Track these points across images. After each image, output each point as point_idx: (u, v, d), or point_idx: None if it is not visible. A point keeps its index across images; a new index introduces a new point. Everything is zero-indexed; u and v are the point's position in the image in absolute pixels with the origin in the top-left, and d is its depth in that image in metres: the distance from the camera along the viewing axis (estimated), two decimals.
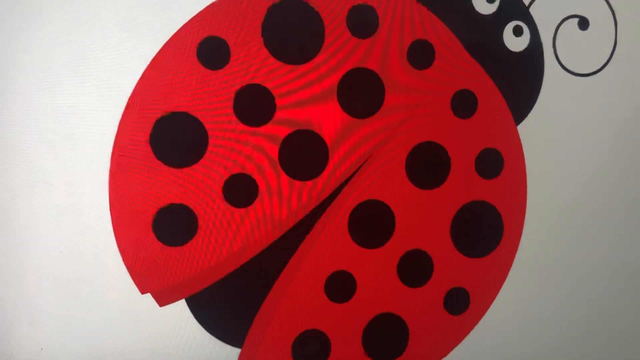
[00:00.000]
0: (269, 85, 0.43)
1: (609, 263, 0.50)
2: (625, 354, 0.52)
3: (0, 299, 0.44)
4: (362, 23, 0.44)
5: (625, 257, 0.50)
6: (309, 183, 0.45)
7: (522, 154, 0.48)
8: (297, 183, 0.44)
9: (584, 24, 0.48)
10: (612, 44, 0.49)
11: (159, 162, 0.43)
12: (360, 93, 0.45)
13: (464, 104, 0.46)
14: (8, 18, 0.42)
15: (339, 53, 0.44)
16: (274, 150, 0.44)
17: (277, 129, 0.44)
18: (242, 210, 0.44)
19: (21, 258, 0.43)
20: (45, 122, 0.43)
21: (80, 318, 0.44)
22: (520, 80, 0.48)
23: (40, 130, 0.43)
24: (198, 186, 0.43)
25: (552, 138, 0.49)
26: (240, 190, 0.44)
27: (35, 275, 0.43)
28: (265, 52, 0.43)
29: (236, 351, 0.46)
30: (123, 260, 0.43)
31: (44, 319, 0.44)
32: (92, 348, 0.44)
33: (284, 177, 0.44)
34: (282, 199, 0.44)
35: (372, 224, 0.46)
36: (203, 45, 0.42)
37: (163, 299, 0.44)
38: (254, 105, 0.43)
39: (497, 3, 0.47)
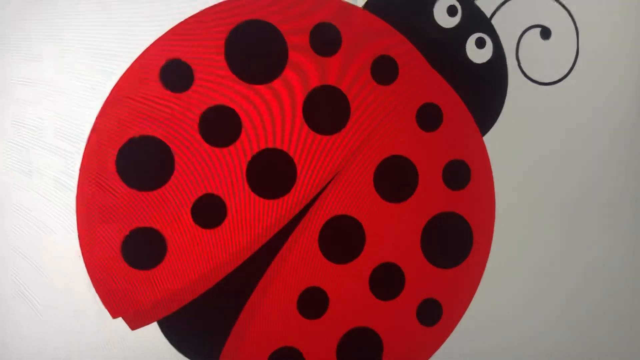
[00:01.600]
0: (234, 105, 0.43)
1: (578, 269, 0.51)
2: (602, 356, 0.52)
3: None
4: (325, 41, 0.45)
5: (593, 262, 0.51)
6: (278, 201, 0.45)
7: (489, 164, 0.49)
8: (266, 201, 0.45)
9: (546, 33, 0.49)
10: (575, 52, 0.49)
11: (125, 186, 0.43)
12: (326, 110, 0.45)
13: (429, 117, 0.47)
14: None
15: (304, 72, 0.44)
16: (241, 169, 0.44)
17: (244, 149, 0.44)
18: (211, 231, 0.44)
19: None
20: (10, 148, 0.43)
21: (51, 343, 0.44)
22: (485, 91, 0.48)
23: (4, 157, 0.43)
24: (166, 209, 0.43)
25: (518, 146, 0.49)
26: (208, 211, 0.44)
27: (6, 301, 0.43)
28: (229, 73, 0.43)
29: None
30: (93, 285, 0.43)
31: (15, 345, 0.44)
32: None
33: (253, 196, 0.44)
34: (251, 218, 0.45)
35: (342, 239, 0.47)
36: (166, 69, 0.43)
37: (135, 322, 0.44)
38: (219, 126, 0.44)
39: (458, 16, 0.47)
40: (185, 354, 0.45)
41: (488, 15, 0.48)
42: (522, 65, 0.49)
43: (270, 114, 0.44)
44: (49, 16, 0.42)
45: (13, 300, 0.44)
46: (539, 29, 0.49)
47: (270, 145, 0.44)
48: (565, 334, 0.51)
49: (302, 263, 0.46)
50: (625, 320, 0.52)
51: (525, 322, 0.51)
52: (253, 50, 0.44)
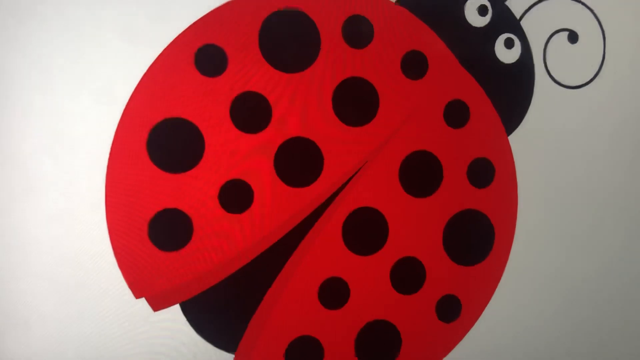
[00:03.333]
0: (265, 93, 0.44)
1: (600, 271, 0.51)
2: (618, 358, 0.52)
3: None
4: (358, 33, 0.45)
5: (616, 265, 0.51)
6: (304, 190, 0.45)
7: (513, 164, 0.49)
8: (292, 190, 0.45)
9: (573, 37, 0.49)
10: (601, 57, 0.50)
11: (155, 167, 0.43)
12: (355, 102, 0.46)
13: (456, 114, 0.47)
14: (7, 23, 0.42)
15: (335, 62, 0.45)
16: (269, 157, 0.44)
17: (273, 136, 0.44)
18: (237, 216, 0.44)
19: (17, 261, 0.43)
20: (43, 128, 0.43)
21: (74, 322, 0.44)
22: (512, 91, 0.49)
23: (37, 135, 0.43)
24: (194, 192, 0.44)
25: (542, 148, 0.50)
26: (235, 196, 0.44)
27: (30, 279, 0.43)
28: (262, 60, 0.44)
29: (230, 356, 0.46)
30: (118, 265, 0.43)
31: (38, 323, 0.44)
32: (86, 353, 0.44)
33: (280, 184, 0.45)
34: (277, 205, 0.45)
35: (365, 231, 0.47)
36: (201, 53, 0.43)
37: (157, 304, 0.44)
38: (250, 112, 0.44)
39: (489, 16, 0.48)
40: (205, 337, 0.45)
41: (518, 16, 0.48)
42: (549, 67, 0.49)
43: (300, 103, 0.45)
44: None
45: (37, 279, 0.44)
46: (566, 33, 0.49)
47: (298, 134, 0.45)
48: (585, 335, 0.51)
49: (325, 253, 0.46)
50: None
51: (543, 323, 0.51)
52: (286, 38, 0.44)
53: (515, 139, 0.49)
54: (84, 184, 0.43)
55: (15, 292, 0.43)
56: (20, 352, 0.44)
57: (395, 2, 0.46)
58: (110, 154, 0.43)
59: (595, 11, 0.49)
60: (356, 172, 0.46)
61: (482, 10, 0.48)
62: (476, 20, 0.48)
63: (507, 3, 0.48)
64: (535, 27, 0.49)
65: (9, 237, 0.43)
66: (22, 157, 0.43)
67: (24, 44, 0.42)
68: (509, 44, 0.48)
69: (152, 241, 0.43)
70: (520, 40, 0.48)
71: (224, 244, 0.44)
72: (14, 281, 0.43)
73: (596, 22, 0.50)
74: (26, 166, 0.43)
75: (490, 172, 0.48)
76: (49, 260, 0.44)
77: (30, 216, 0.43)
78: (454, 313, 0.49)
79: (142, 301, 0.44)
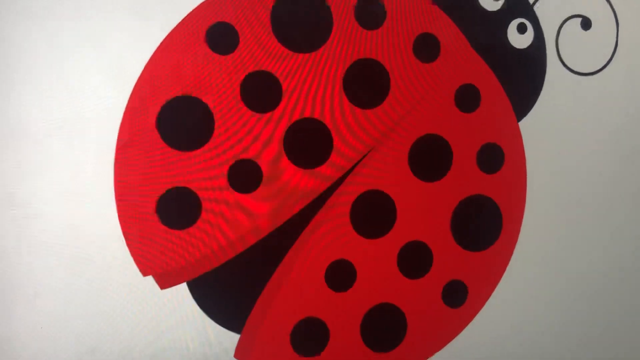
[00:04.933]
0: (276, 72, 0.44)
1: (607, 257, 0.51)
2: (623, 348, 0.52)
3: (3, 273, 0.43)
4: (370, 14, 0.45)
5: (623, 252, 0.51)
6: (313, 171, 0.45)
7: (523, 150, 0.49)
8: (301, 170, 0.45)
9: (586, 24, 0.49)
10: (614, 44, 0.49)
11: (164, 145, 0.43)
12: (366, 83, 0.46)
13: (467, 98, 0.47)
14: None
15: (346, 43, 0.45)
16: (279, 137, 0.44)
17: (282, 116, 0.44)
18: (246, 196, 0.44)
19: (26, 235, 0.43)
20: (52, 104, 0.43)
21: (82, 297, 0.44)
22: (523, 77, 0.48)
23: (47, 111, 0.43)
24: (203, 170, 0.43)
25: (552, 135, 0.49)
26: (244, 176, 0.44)
27: (39, 253, 0.43)
28: (273, 39, 0.44)
29: (236, 336, 0.46)
30: (126, 242, 0.43)
31: (46, 296, 0.44)
32: (92, 327, 0.44)
33: (288, 164, 0.45)
34: (285, 186, 0.45)
35: (373, 214, 0.47)
36: (212, 30, 0.43)
37: (164, 282, 0.44)
38: (260, 91, 0.44)
39: (502, 0, 0.47)
40: (212, 317, 0.45)
41: (531, 2, 0.48)
42: (561, 53, 0.49)
43: (311, 83, 0.44)
44: None
45: (46, 254, 0.44)
46: (579, 19, 0.49)
47: (308, 115, 0.45)
48: (592, 322, 0.51)
49: (332, 235, 0.46)
50: None
51: (549, 310, 0.51)
52: (299, 18, 0.44)
53: (526, 125, 0.48)
54: (94, 161, 0.43)
55: (25, 266, 0.43)
56: (28, 325, 0.44)
57: None
58: (120, 131, 0.43)
59: None
60: (365, 155, 0.46)
61: None
62: (489, 4, 0.47)
63: None
64: (548, 13, 0.48)
65: (19, 213, 0.43)
66: (33, 135, 0.43)
67: (34, 23, 0.42)
68: (521, 29, 0.48)
69: (160, 219, 0.43)
70: (533, 26, 0.48)
71: (231, 224, 0.44)
72: (24, 255, 0.43)
73: (610, 9, 0.49)
74: (36, 144, 0.43)
75: (499, 158, 0.48)
76: (58, 236, 0.43)
77: (41, 192, 0.43)
78: (460, 298, 0.49)
79: (150, 279, 0.44)
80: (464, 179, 0.48)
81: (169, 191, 0.43)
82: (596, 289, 0.51)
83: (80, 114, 0.43)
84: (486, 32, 0.48)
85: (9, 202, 0.43)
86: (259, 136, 0.44)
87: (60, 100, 0.43)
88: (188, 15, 0.43)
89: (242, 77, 0.43)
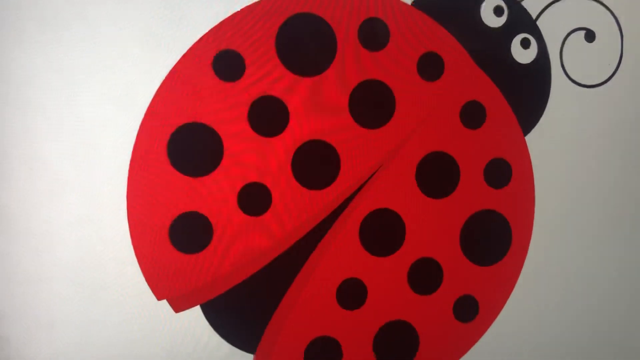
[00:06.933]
0: (282, 96, 0.44)
1: (617, 271, 0.51)
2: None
3: (20, 303, 0.45)
4: (373, 36, 0.45)
5: (633, 265, 0.51)
6: (321, 192, 0.46)
7: (530, 164, 0.49)
8: (310, 192, 0.45)
9: (590, 36, 0.49)
10: (618, 56, 0.50)
11: (175, 171, 0.44)
12: (372, 104, 0.46)
13: (473, 115, 0.47)
14: (29, 30, 0.43)
15: (351, 65, 0.45)
16: (287, 159, 0.45)
17: (290, 139, 0.45)
18: (255, 219, 0.45)
19: (41, 264, 0.44)
20: (65, 133, 0.44)
21: (98, 323, 0.45)
22: (528, 91, 0.49)
23: (60, 141, 0.44)
24: (213, 195, 0.44)
25: (559, 148, 0.49)
26: (254, 199, 0.45)
27: (54, 281, 0.44)
28: (279, 64, 0.44)
29: (249, 356, 0.46)
30: (140, 267, 0.44)
31: (62, 324, 0.45)
32: (109, 354, 0.45)
33: (297, 186, 0.45)
34: (294, 207, 0.45)
35: (382, 232, 0.47)
36: (219, 58, 0.44)
37: (179, 305, 0.45)
38: (268, 116, 0.44)
39: (505, 16, 0.48)
40: (225, 338, 0.46)
41: (534, 16, 0.48)
42: (566, 67, 0.49)
43: (317, 106, 0.45)
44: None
45: (61, 282, 0.45)
46: (583, 32, 0.49)
47: (315, 137, 0.45)
48: (600, 337, 0.51)
49: (343, 254, 0.47)
50: None
51: (561, 324, 0.51)
52: (303, 42, 0.45)
53: (532, 139, 0.49)
54: (106, 188, 0.44)
55: (41, 294, 0.44)
56: (45, 354, 0.45)
57: (411, 3, 0.46)
58: (132, 159, 0.44)
59: (613, 10, 0.49)
60: (373, 174, 0.46)
61: (498, 11, 0.48)
62: (492, 20, 0.48)
63: (523, 3, 0.48)
64: (551, 27, 0.48)
65: (34, 241, 0.44)
66: (46, 162, 0.44)
67: (46, 52, 0.43)
68: (525, 44, 0.48)
69: (173, 244, 0.44)
70: (536, 40, 0.48)
71: (242, 247, 0.45)
72: (39, 283, 0.44)
73: (614, 21, 0.49)
74: (49, 172, 0.44)
75: (507, 173, 0.49)
76: (72, 263, 0.44)
77: (55, 221, 0.44)
78: (471, 313, 0.49)
79: (164, 303, 0.45)
80: (472, 195, 0.48)
81: (181, 216, 0.44)
82: (608, 301, 0.51)
83: (92, 143, 0.44)
84: (490, 48, 0.48)
85: (25, 231, 0.44)
86: (268, 159, 0.45)
87: (72, 131, 0.44)
88: (195, 43, 0.43)
89: (250, 102, 0.44)
